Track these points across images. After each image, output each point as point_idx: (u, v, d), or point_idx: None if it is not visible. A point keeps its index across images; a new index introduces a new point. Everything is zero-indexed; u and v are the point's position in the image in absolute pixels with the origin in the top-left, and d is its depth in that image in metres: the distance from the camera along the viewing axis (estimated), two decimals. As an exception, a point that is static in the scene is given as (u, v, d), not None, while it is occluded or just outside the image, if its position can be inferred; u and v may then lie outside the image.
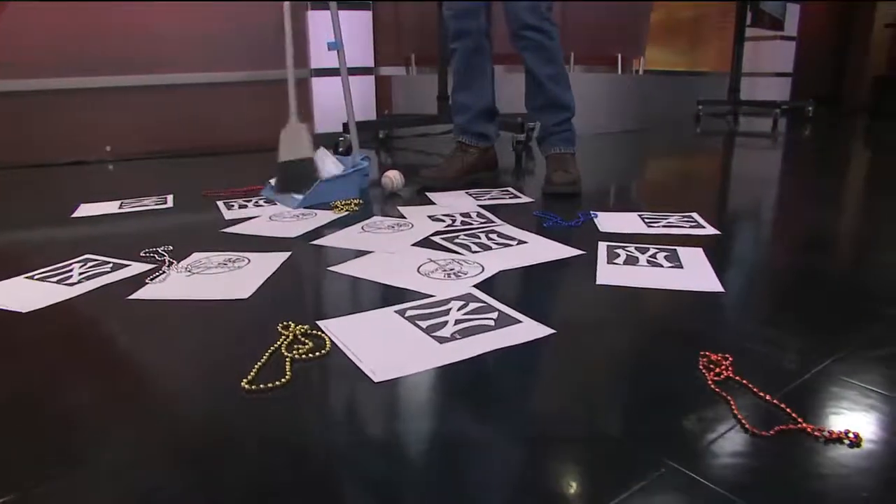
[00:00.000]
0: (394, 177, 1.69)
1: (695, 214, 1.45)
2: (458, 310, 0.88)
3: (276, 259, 1.13)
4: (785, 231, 1.43)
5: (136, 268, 1.11)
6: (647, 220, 1.40)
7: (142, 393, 0.68)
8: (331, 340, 0.78)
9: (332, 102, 2.96)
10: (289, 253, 1.17)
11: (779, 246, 1.31)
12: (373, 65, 3.09)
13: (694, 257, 1.13)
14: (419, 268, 1.07)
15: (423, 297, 0.93)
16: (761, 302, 0.95)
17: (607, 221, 1.39)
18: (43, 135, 2.37)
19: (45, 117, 2.37)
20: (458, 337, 0.79)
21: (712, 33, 4.72)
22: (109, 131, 2.48)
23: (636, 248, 1.18)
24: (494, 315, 0.86)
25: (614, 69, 3.38)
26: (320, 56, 2.91)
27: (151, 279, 1.03)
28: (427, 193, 1.71)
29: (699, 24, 4.70)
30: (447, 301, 0.91)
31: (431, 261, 1.10)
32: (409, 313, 0.87)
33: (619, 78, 3.41)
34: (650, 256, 1.13)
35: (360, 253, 1.17)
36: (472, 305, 0.90)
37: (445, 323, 0.84)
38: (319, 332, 0.80)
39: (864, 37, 5.62)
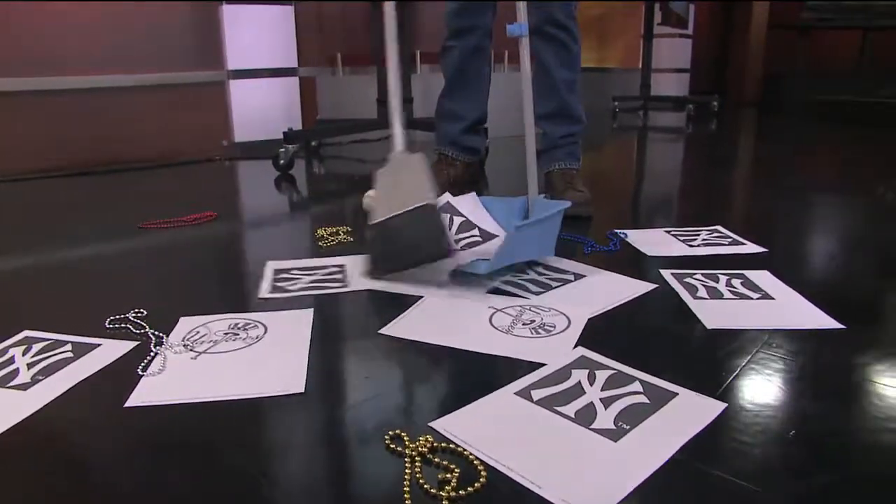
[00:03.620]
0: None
1: (720, 227, 1.36)
2: (591, 383, 0.70)
3: (299, 321, 0.88)
4: (839, 241, 1.34)
5: (108, 348, 0.81)
6: (680, 238, 1.29)
7: None
8: (478, 459, 0.57)
9: (253, 108, 2.64)
10: (310, 310, 0.92)
11: (846, 261, 1.23)
12: (296, 65, 2.78)
13: (773, 284, 1.02)
14: (490, 320, 0.87)
15: (527, 366, 0.74)
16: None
17: (643, 242, 1.26)
18: None
19: None
20: (627, 427, 0.61)
21: (618, 31, 4.83)
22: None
23: (704, 276, 1.05)
24: (638, 387, 0.69)
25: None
26: (238, 56, 2.56)
27: (144, 368, 0.75)
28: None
29: (605, 22, 4.78)
30: (566, 371, 0.73)
31: (498, 310, 0.91)
32: (535, 395, 0.68)
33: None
34: (728, 286, 1.01)
35: (397, 298, 0.95)
36: (602, 374, 0.72)
37: (592, 406, 0.65)
38: (449, 444, 0.59)
39: (743, 36, 6.01)
